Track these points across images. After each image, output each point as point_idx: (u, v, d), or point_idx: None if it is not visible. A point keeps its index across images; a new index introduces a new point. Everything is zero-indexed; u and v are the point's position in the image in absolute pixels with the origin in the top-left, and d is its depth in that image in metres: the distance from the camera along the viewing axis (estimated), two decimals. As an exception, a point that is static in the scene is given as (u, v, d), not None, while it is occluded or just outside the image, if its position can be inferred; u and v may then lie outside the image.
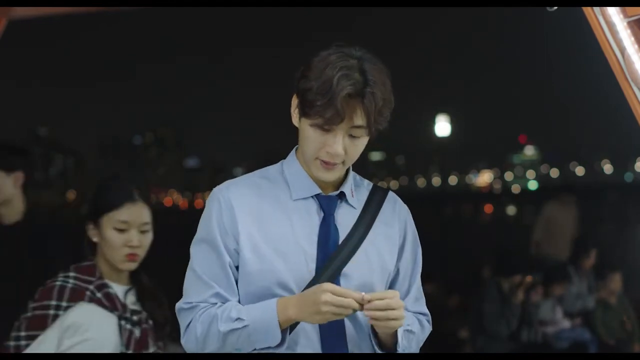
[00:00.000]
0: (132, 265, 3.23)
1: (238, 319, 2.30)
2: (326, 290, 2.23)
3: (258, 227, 2.37)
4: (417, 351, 2.52)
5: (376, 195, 2.50)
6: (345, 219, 2.42)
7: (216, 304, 2.37)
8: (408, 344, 2.43)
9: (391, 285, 2.51)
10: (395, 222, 2.51)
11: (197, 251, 2.42)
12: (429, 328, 2.57)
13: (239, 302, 2.38)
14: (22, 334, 3.08)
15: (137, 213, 3.22)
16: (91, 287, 3.17)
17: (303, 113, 2.33)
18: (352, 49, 2.34)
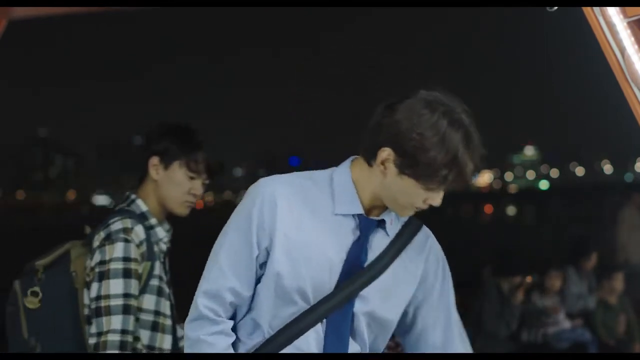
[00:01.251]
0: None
1: None
2: None
3: (295, 231, 2.38)
4: None
5: (409, 227, 2.51)
6: (378, 244, 2.45)
7: (227, 304, 2.39)
8: None
9: (422, 318, 2.54)
10: (423, 257, 2.53)
11: (228, 239, 2.43)
12: None
13: (253, 297, 2.41)
14: None
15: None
16: None
17: (418, 177, 2.32)
18: (454, 110, 2.33)
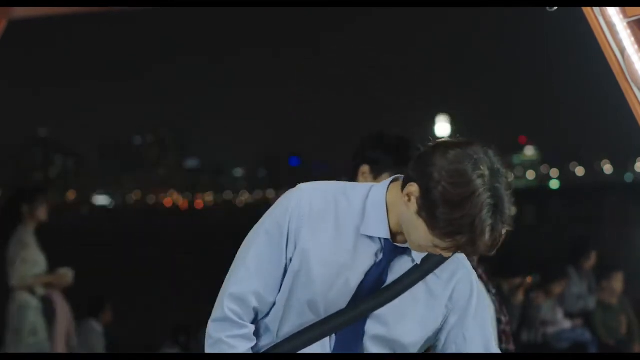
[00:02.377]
0: None
1: None
2: None
3: (320, 246, 2.38)
4: None
5: (438, 255, 2.42)
6: (401, 268, 2.42)
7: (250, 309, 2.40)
8: None
9: (456, 345, 2.49)
10: (452, 283, 2.48)
11: (258, 241, 2.42)
12: None
13: (275, 303, 2.41)
14: None
15: None
16: None
17: (430, 225, 2.26)
18: (496, 179, 2.24)
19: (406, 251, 2.42)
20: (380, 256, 2.40)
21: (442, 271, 2.46)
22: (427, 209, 2.26)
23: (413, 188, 2.29)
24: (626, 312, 8.69)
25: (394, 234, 2.40)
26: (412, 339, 2.45)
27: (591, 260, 9.01)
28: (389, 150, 3.47)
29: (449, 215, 2.22)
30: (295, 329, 2.39)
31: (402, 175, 2.40)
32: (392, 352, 2.44)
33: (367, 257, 2.39)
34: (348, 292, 2.38)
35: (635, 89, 2.88)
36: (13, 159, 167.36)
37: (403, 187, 2.34)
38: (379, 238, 2.39)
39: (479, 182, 2.22)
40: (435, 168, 2.25)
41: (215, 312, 2.44)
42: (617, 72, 2.90)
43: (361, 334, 2.40)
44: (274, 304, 2.42)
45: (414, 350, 2.47)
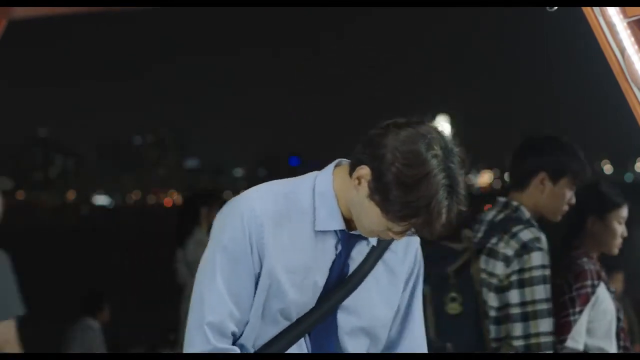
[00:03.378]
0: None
1: None
2: None
3: (280, 251, 2.28)
4: None
5: None
6: (360, 254, 2.36)
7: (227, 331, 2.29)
8: None
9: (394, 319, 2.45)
10: (407, 260, 2.44)
11: (222, 262, 2.29)
12: None
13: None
14: (577, 309, 3.57)
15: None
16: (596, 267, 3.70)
17: (383, 208, 2.19)
18: (449, 159, 2.18)
19: (362, 236, 2.34)
20: (340, 248, 2.32)
21: (397, 245, 2.40)
22: (380, 192, 2.18)
23: (364, 171, 2.20)
24: (626, 312, 8.68)
25: (347, 222, 2.32)
26: (383, 321, 2.40)
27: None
28: (566, 157, 3.62)
29: (404, 198, 2.15)
30: (269, 338, 2.32)
31: (345, 159, 2.33)
32: (369, 340, 2.39)
33: (328, 252, 2.32)
34: (317, 291, 2.31)
35: (635, 89, 2.88)
36: (13, 159, 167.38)
37: (352, 171, 2.25)
38: (335, 230, 2.31)
39: (433, 162, 2.15)
40: (387, 149, 2.17)
41: (194, 345, 2.29)
42: (617, 72, 2.90)
43: (334, 328, 2.34)
44: (248, 321, 2.33)
45: (385, 332, 2.42)
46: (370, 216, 2.22)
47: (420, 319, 2.50)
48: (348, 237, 2.33)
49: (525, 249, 3.44)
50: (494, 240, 3.52)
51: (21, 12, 4.12)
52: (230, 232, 2.28)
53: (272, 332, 2.32)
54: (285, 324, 2.32)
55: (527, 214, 3.59)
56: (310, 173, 2.38)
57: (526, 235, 3.47)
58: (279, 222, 2.29)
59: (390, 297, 2.40)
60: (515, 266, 3.44)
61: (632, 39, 2.86)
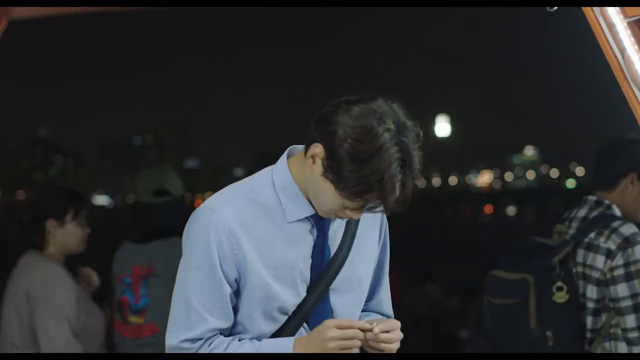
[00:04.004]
0: None
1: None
2: (329, 327, 2.21)
3: (258, 252, 2.27)
4: None
5: None
6: (336, 232, 2.36)
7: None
8: None
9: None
10: (377, 224, 2.46)
11: (193, 279, 2.27)
12: None
13: (234, 326, 2.30)
14: None
15: None
16: None
17: (337, 185, 2.18)
18: (403, 133, 2.16)
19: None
20: (316, 232, 2.32)
21: (368, 219, 2.39)
22: (334, 168, 2.16)
23: (317, 149, 2.19)
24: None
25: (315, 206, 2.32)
26: (369, 286, 2.45)
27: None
28: None
29: (357, 173, 2.13)
30: (269, 335, 2.32)
31: (297, 146, 2.34)
32: (360, 308, 2.42)
33: (305, 239, 2.31)
34: (306, 280, 2.32)
35: (635, 89, 2.88)
36: (13, 159, 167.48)
37: (306, 150, 2.24)
38: (307, 217, 2.31)
39: (385, 136, 2.13)
40: (339, 126, 2.15)
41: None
42: (617, 72, 2.89)
43: (329, 311, 2.35)
44: (236, 323, 2.32)
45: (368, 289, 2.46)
46: (326, 195, 2.21)
47: (387, 266, 2.53)
48: (320, 219, 2.32)
49: (629, 242, 3.49)
50: (592, 235, 3.57)
51: (21, 12, 4.11)
52: (199, 246, 2.26)
53: (271, 328, 2.32)
54: (283, 318, 2.32)
55: (617, 212, 3.64)
56: (265, 169, 2.38)
57: (627, 229, 3.52)
58: (248, 224, 2.27)
59: (370, 259, 2.44)
60: (619, 260, 3.48)
61: (632, 39, 2.86)
